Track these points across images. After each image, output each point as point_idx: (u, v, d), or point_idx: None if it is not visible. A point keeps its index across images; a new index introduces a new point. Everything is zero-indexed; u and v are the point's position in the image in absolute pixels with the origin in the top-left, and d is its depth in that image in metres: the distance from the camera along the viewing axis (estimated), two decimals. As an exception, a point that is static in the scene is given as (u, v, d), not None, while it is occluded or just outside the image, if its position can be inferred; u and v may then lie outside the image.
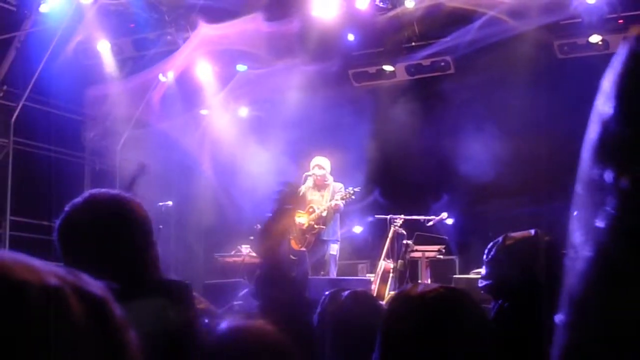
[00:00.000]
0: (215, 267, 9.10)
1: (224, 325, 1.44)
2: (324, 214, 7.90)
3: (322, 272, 7.90)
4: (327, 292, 2.80)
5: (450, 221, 8.20)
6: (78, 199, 1.87)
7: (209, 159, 10.65)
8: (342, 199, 7.77)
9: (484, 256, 2.43)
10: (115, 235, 1.81)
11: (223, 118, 10.65)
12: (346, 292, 2.70)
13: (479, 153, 8.80)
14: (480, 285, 2.43)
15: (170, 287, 1.86)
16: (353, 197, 7.81)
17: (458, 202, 8.76)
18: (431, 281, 7.77)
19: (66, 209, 1.86)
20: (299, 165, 8.68)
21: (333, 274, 7.89)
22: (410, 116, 9.42)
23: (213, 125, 10.70)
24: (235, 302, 7.41)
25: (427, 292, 1.60)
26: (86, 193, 1.90)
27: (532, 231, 2.42)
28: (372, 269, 8.52)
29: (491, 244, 2.43)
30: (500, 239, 2.42)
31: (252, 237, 8.73)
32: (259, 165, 9.64)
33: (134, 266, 1.83)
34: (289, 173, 9.08)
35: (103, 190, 1.92)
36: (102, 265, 1.73)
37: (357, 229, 8.98)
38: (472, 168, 8.78)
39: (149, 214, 1.93)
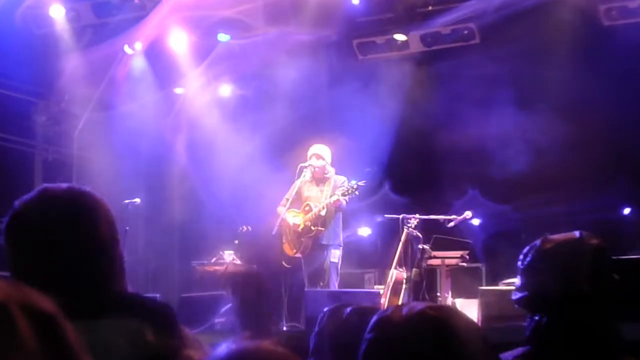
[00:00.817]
0: (193, 277, 9.10)
1: (224, 348, 1.41)
2: (323, 212, 7.89)
3: (320, 283, 7.90)
4: (326, 308, 2.78)
5: (476, 221, 8.20)
6: (29, 194, 1.86)
7: (184, 147, 10.63)
8: (342, 194, 7.76)
9: (519, 263, 2.41)
10: (74, 237, 1.79)
11: (201, 98, 10.63)
12: (350, 308, 2.68)
13: (510, 139, 8.78)
14: (514, 297, 2.41)
15: (146, 306, 1.84)
16: (356, 192, 7.80)
17: (485, 198, 8.77)
18: (452, 294, 7.77)
19: (15, 205, 1.84)
20: (293, 154, 8.66)
21: (334, 286, 7.89)
22: (427, 95, 9.41)
23: (189, 107, 10.67)
24: (216, 320, 7.41)
25: (413, 315, 1.58)
26: (40, 187, 1.88)
27: (577, 233, 2.40)
28: (382, 279, 8.52)
29: (527, 248, 2.42)
30: (537, 242, 2.40)
31: (236, 241, 8.73)
32: (244, 155, 9.63)
33: (97, 275, 1.82)
34: (280, 164, 9.07)
35: (59, 184, 1.91)
36: (59, 274, 1.73)
37: (364, 232, 8.97)
38: (503, 157, 8.77)
39: (113, 213, 1.92)
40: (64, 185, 1.90)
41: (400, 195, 9.39)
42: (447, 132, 9.18)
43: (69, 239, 1.79)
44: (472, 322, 1.65)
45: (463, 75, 9.19)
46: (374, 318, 1.64)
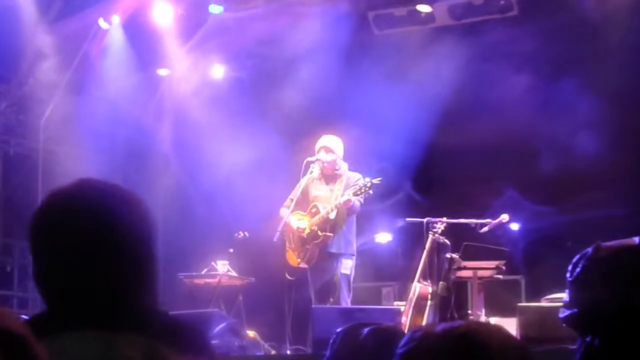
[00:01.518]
0: (180, 292, 9.11)
1: None
2: (332, 215, 7.89)
3: (330, 299, 7.90)
4: (339, 329, 2.78)
5: (514, 226, 8.17)
6: (62, 186, 1.89)
7: (170, 139, 10.64)
8: (354, 194, 7.76)
9: (567, 275, 2.40)
10: (107, 239, 1.82)
11: (189, 80, 10.63)
12: (368, 329, 2.69)
13: (555, 129, 8.76)
14: (561, 315, 2.41)
15: (175, 327, 1.87)
16: (370, 191, 7.79)
17: (525, 198, 8.73)
18: (486, 311, 7.76)
19: (50, 193, 1.88)
20: (297, 147, 8.67)
21: (346, 302, 7.89)
22: (455, 77, 9.39)
23: (176, 91, 10.68)
24: (208, 341, 7.42)
25: (451, 331, 1.60)
26: (77, 179, 1.91)
27: (636, 239, 2.39)
28: (402, 294, 8.51)
29: (577, 257, 2.41)
30: (589, 250, 2.39)
31: (231, 250, 8.74)
32: (240, 148, 9.63)
33: (124, 284, 1.85)
34: (283, 159, 9.07)
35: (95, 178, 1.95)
36: (82, 279, 1.78)
37: (382, 238, 8.97)
38: (546, 150, 8.75)
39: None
40: (102, 180, 1.93)
41: (425, 195, 9.38)
42: (479, 120, 9.16)
43: (101, 240, 1.82)
44: (515, 339, 1.66)
45: (498, 53, 9.17)
46: (408, 334, 1.66)
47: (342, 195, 7.85)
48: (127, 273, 1.86)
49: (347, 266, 8.00)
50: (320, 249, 7.99)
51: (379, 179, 7.83)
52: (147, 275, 1.91)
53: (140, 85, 10.44)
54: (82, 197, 1.87)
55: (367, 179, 7.82)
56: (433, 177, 9.67)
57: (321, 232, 7.93)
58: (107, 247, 1.83)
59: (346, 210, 7.90)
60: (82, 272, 1.79)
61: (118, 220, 1.86)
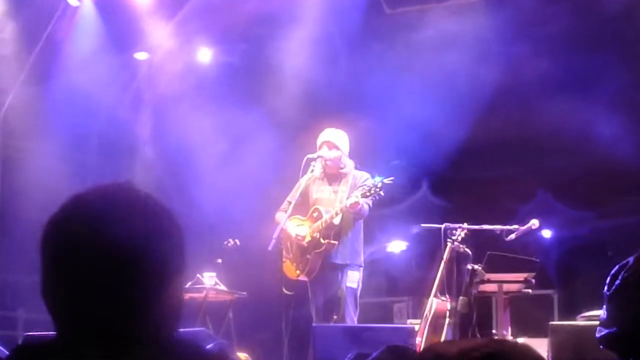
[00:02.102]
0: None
1: None
2: (337, 220, 7.89)
3: (334, 317, 7.91)
4: (350, 356, 2.81)
5: (546, 233, 8.16)
6: (80, 194, 1.89)
7: (149, 132, 10.63)
8: (363, 196, 7.75)
9: (605, 289, 2.43)
10: (128, 256, 1.81)
11: (172, 66, 10.63)
12: (377, 353, 2.71)
13: (591, 120, 8.76)
14: (598, 335, 2.43)
15: (199, 355, 1.89)
16: (381, 192, 7.78)
17: (559, 201, 8.73)
18: (512, 330, 7.78)
19: (70, 198, 1.88)
20: (297, 142, 8.67)
21: (352, 319, 7.90)
22: (478, 61, 9.39)
23: (156, 78, 10.68)
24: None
25: (469, 351, 1.60)
26: (97, 185, 1.91)
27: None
28: (417, 311, 8.52)
29: (616, 269, 2.43)
30: (630, 260, 2.42)
31: (219, 260, 8.75)
32: (229, 143, 9.63)
33: (144, 310, 1.85)
34: (280, 156, 9.07)
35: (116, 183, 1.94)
36: (96, 302, 1.78)
37: (394, 247, 8.96)
38: (582, 146, 8.74)
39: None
40: (132, 187, 1.94)
41: (443, 197, 9.38)
42: (505, 111, 9.17)
43: (124, 260, 1.81)
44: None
45: (528, 34, 9.16)
46: (419, 353, 1.67)
47: (348, 197, 7.85)
48: (148, 297, 1.85)
49: (353, 279, 7.99)
50: (323, 259, 7.99)
51: (390, 178, 7.82)
52: (168, 299, 1.90)
53: (116, 72, 10.44)
54: (106, 207, 1.85)
55: (377, 179, 7.80)
56: (452, 177, 9.67)
57: (324, 239, 7.93)
58: (131, 268, 1.82)
59: (353, 214, 7.90)
60: (97, 293, 1.78)
61: (147, 238, 1.85)
